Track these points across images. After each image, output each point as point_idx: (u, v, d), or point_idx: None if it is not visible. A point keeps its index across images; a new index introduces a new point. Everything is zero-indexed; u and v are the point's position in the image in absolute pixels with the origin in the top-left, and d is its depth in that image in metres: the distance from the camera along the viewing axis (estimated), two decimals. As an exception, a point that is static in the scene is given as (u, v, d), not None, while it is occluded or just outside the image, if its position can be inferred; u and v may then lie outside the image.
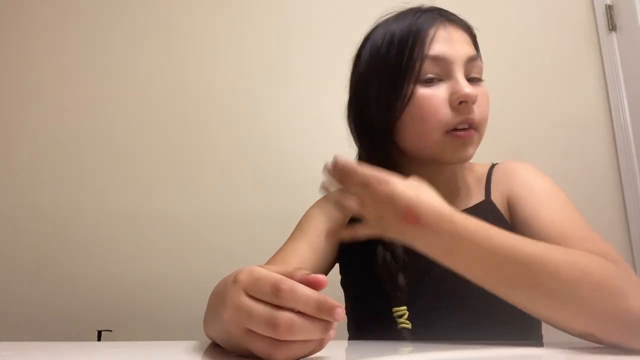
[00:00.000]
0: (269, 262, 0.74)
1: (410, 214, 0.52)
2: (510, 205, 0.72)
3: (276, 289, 0.38)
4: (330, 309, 0.37)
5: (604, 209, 1.31)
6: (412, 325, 0.65)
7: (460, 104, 0.67)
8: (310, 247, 0.75)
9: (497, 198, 0.74)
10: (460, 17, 0.75)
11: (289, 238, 0.79)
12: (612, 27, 1.37)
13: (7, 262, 1.36)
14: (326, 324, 0.38)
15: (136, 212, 1.38)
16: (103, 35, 1.49)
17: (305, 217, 0.82)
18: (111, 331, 1.12)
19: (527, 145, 1.36)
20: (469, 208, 0.74)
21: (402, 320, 0.66)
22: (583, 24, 1.41)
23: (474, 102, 0.67)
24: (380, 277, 0.70)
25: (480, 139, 0.71)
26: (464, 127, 0.68)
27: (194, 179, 1.40)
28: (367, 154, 0.77)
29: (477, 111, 0.68)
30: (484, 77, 0.73)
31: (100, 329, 1.13)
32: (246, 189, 1.39)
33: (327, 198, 0.83)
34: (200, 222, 1.37)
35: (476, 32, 0.76)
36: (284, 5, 1.49)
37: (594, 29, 1.40)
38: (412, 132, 0.71)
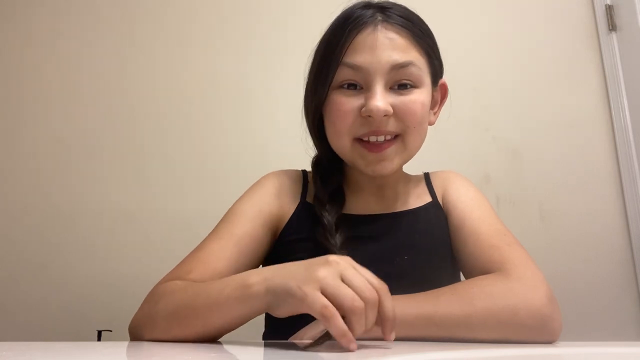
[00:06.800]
0: (189, 260, 0.67)
1: None
2: (445, 208, 0.78)
3: None
4: None
5: (604, 209, 1.31)
6: None
7: (370, 116, 0.66)
8: (238, 249, 0.68)
9: (439, 200, 0.79)
10: (407, 15, 0.70)
11: (214, 234, 0.71)
12: (612, 27, 1.36)
13: (7, 262, 1.36)
14: None
15: (137, 211, 1.38)
16: (104, 36, 1.50)
17: (235, 212, 0.73)
18: (111, 331, 1.12)
19: (527, 145, 1.36)
20: (421, 207, 0.77)
21: None
22: (583, 24, 1.41)
23: (384, 115, 0.66)
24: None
25: (406, 148, 0.70)
26: (378, 141, 0.67)
27: (197, 179, 1.40)
28: (317, 157, 0.79)
29: (398, 122, 0.67)
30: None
31: (100, 329, 1.13)
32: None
33: (260, 186, 0.78)
34: (202, 222, 1.36)
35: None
36: (283, 7, 1.49)
37: (594, 29, 1.40)
38: (329, 136, 0.72)
